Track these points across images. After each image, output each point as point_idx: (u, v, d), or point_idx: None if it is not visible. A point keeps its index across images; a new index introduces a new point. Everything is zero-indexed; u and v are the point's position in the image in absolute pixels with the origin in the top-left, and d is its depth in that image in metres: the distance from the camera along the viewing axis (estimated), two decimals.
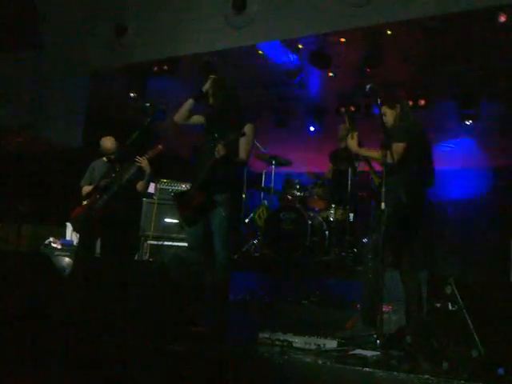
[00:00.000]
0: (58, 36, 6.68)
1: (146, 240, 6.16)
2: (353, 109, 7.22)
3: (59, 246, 5.59)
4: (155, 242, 6.16)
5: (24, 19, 6.02)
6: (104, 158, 4.98)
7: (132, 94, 6.94)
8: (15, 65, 6.41)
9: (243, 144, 3.67)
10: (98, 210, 4.65)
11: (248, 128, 3.65)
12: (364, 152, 3.77)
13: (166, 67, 6.86)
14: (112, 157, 4.87)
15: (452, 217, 8.26)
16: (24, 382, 2.74)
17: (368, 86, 3.60)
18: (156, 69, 6.92)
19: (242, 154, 3.69)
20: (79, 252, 4.90)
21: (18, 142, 5.60)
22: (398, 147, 3.42)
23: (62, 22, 6.68)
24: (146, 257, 6.17)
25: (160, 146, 4.58)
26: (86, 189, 4.89)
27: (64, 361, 2.80)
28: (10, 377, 2.78)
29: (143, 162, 4.57)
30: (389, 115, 3.67)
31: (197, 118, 3.91)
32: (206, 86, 3.80)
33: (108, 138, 5.00)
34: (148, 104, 4.76)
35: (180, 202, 3.87)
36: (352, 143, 3.73)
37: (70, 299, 3.09)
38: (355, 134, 3.72)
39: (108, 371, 2.74)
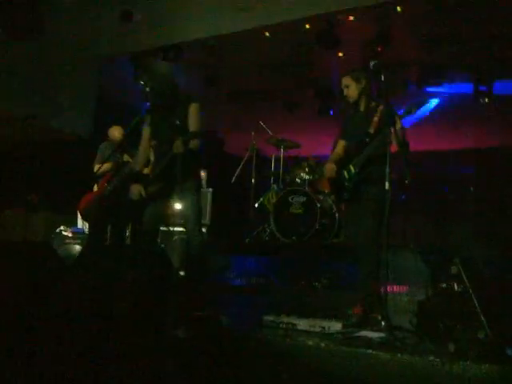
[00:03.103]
0: (64, 24, 6.67)
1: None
2: None
3: (70, 234, 5.62)
4: (165, 228, 6.18)
5: (27, 6, 6.00)
6: (110, 142, 5.06)
7: (141, 82, 6.92)
8: (23, 54, 6.42)
9: (192, 126, 3.69)
10: (107, 198, 4.66)
11: (192, 109, 3.72)
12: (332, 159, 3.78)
13: (172, 53, 6.83)
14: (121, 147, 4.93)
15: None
16: (22, 370, 2.74)
17: (372, 63, 3.50)
18: (162, 55, 6.89)
19: (191, 145, 3.69)
20: (90, 240, 4.94)
21: (25, 131, 5.63)
22: (404, 130, 3.49)
23: (69, 9, 6.66)
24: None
25: None
26: (101, 166, 4.85)
27: (63, 349, 2.80)
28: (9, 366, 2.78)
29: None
30: (353, 88, 3.65)
31: (145, 135, 3.94)
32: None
33: (115, 127, 5.06)
34: (147, 89, 4.71)
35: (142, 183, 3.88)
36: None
37: (71, 288, 3.08)
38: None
39: (110, 359, 2.73)
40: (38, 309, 2.84)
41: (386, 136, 3.23)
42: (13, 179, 6.63)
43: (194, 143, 3.63)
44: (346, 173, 3.64)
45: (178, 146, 3.52)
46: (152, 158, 4.09)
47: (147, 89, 3.79)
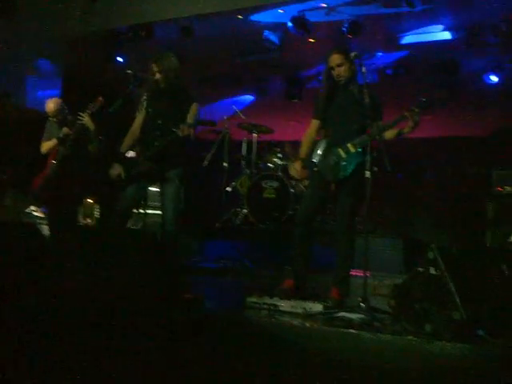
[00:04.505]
0: (35, 3, 6.49)
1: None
2: None
3: (41, 215, 5.53)
4: (139, 211, 6.16)
5: None
6: (51, 119, 4.91)
7: (128, 71, 6.83)
8: None
9: (189, 120, 3.77)
10: (54, 174, 4.62)
11: (194, 107, 3.83)
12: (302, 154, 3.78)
13: (142, 32, 6.72)
14: (57, 119, 4.81)
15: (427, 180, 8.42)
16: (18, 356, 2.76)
17: (353, 54, 3.56)
18: (132, 35, 6.77)
19: (190, 131, 3.77)
20: (52, 221, 4.87)
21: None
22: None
23: None
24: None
25: (100, 99, 4.50)
26: (46, 144, 4.83)
27: (55, 333, 2.83)
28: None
29: (85, 117, 4.48)
30: (346, 68, 3.55)
31: (139, 119, 3.98)
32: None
33: (51, 99, 4.93)
34: (129, 71, 4.67)
35: (124, 164, 3.92)
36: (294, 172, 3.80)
37: (60, 269, 3.10)
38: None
39: (103, 342, 2.78)
40: (29, 291, 2.85)
41: (379, 127, 3.35)
42: None
43: (191, 131, 3.68)
44: (341, 151, 3.55)
45: (183, 130, 3.59)
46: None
47: (156, 76, 3.79)
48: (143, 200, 4.60)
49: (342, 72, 3.58)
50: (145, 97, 3.97)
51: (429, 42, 6.47)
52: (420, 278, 2.80)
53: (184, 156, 3.92)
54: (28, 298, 3.08)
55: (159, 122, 3.82)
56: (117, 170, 3.83)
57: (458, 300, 2.55)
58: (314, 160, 3.62)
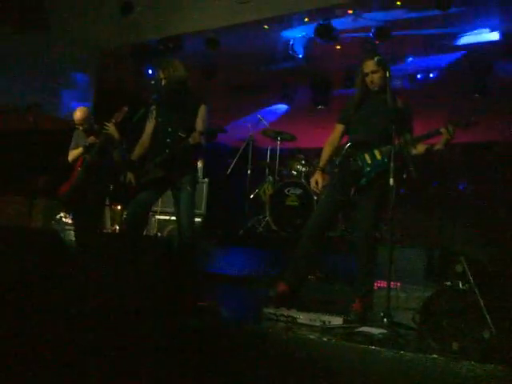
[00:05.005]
0: (67, 16, 6.73)
1: (154, 215, 6.21)
2: None
3: (70, 221, 5.58)
4: (163, 217, 6.21)
5: (32, 1, 6.00)
6: (79, 127, 4.97)
7: (152, 82, 6.99)
8: (25, 46, 6.43)
9: (198, 127, 3.77)
10: (81, 182, 4.69)
11: (202, 109, 3.81)
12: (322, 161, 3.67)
13: (171, 45, 6.81)
14: (84, 127, 4.89)
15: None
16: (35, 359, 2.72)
17: (376, 59, 3.44)
18: (162, 47, 6.86)
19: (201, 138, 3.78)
20: (78, 226, 4.91)
21: (28, 120, 5.64)
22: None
23: (70, 1, 6.64)
24: (155, 232, 6.22)
25: (125, 108, 4.50)
26: (73, 152, 4.90)
27: (72, 339, 2.78)
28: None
29: (111, 127, 4.47)
30: (380, 76, 3.43)
31: (149, 128, 3.98)
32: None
33: (78, 108, 4.99)
34: (153, 81, 4.70)
35: (135, 172, 3.95)
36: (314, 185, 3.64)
37: (78, 275, 3.06)
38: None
39: (118, 348, 2.71)
40: (48, 297, 2.81)
41: (407, 141, 3.29)
42: (14, 166, 6.64)
43: (202, 138, 3.71)
44: (367, 157, 3.45)
45: (195, 137, 3.62)
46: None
47: (162, 83, 3.80)
48: (155, 207, 4.57)
49: (375, 79, 3.48)
50: (154, 106, 3.97)
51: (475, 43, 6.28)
52: (447, 293, 2.62)
53: (195, 162, 3.92)
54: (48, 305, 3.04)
55: (169, 129, 3.81)
56: (128, 177, 3.88)
57: (488, 317, 2.37)
58: (336, 161, 3.52)
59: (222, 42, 6.65)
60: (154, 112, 3.96)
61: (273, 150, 6.92)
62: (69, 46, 6.92)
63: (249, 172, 6.74)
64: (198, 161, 3.98)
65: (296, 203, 5.79)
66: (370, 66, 3.47)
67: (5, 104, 6.45)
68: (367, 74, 3.50)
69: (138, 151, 3.99)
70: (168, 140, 3.79)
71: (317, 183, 3.62)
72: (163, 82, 3.80)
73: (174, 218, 5.87)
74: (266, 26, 6.54)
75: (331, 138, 3.72)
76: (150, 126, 3.98)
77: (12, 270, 3.29)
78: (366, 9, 6.07)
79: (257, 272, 5.09)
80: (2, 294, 2.92)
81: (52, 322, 2.98)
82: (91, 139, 4.76)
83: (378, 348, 2.48)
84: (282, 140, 6.68)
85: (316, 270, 4.70)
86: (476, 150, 8.34)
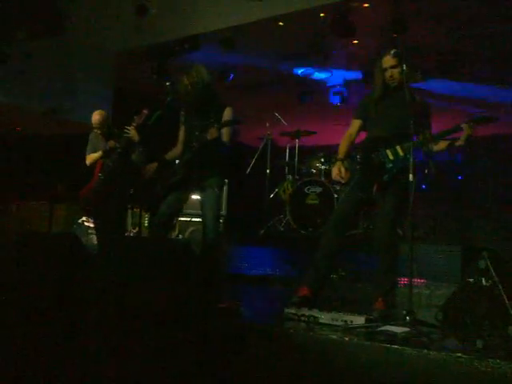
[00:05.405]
0: (82, 19, 6.79)
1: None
2: None
3: (92, 225, 5.63)
4: (184, 219, 6.22)
5: (48, 5, 6.07)
6: (95, 131, 4.98)
7: (167, 84, 7.02)
8: (41, 50, 6.52)
9: (224, 128, 3.77)
10: (102, 186, 4.71)
11: (227, 111, 3.80)
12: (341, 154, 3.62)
13: (186, 46, 6.82)
14: (102, 131, 4.90)
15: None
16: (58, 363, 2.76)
17: (393, 52, 3.39)
18: (177, 48, 6.88)
19: (224, 137, 3.79)
20: (101, 232, 4.95)
21: (46, 125, 5.72)
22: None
23: (85, 4, 6.75)
24: (176, 233, 6.24)
25: (145, 111, 4.50)
26: (91, 156, 4.91)
27: (96, 342, 2.81)
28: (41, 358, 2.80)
29: (132, 131, 4.49)
30: (400, 71, 3.36)
31: (181, 135, 4.02)
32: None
33: (96, 111, 4.99)
34: (168, 83, 4.70)
35: (161, 174, 4.00)
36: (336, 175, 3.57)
37: (98, 279, 3.09)
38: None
39: (139, 351, 2.74)
40: (70, 301, 2.85)
41: (427, 138, 3.26)
42: (34, 171, 6.73)
43: (226, 132, 3.71)
44: (389, 153, 3.42)
45: (212, 132, 3.59)
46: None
47: (188, 88, 3.80)
48: (182, 208, 4.56)
49: (395, 74, 3.43)
50: (182, 112, 4.01)
51: None
52: (470, 290, 2.57)
53: (222, 164, 3.90)
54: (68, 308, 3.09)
55: (196, 133, 3.81)
56: (152, 167, 3.95)
57: None
58: (358, 157, 3.48)
59: (237, 41, 6.63)
60: (183, 118, 4.00)
61: (291, 149, 6.89)
62: (84, 50, 6.96)
63: (268, 171, 6.73)
64: (225, 163, 3.94)
65: (316, 201, 5.76)
66: (389, 61, 3.43)
67: (23, 109, 6.51)
68: (386, 70, 3.45)
69: (172, 153, 4.05)
70: (195, 144, 3.80)
71: (339, 172, 3.55)
72: (188, 88, 3.79)
73: (195, 219, 5.95)
74: (281, 23, 6.50)
75: (348, 133, 3.69)
76: (181, 134, 4.04)
77: (34, 275, 3.36)
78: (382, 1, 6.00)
79: (278, 272, 5.08)
80: (27, 300, 2.97)
81: (76, 326, 3.02)
82: (111, 144, 4.77)
83: (401, 347, 2.45)
84: (300, 137, 6.66)
85: (338, 269, 4.67)
86: (500, 142, 8.15)
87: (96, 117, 4.94)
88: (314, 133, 6.76)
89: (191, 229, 6.08)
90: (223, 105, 3.88)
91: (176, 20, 6.68)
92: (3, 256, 3.78)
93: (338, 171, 3.56)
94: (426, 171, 3.56)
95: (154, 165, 3.94)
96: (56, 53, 6.78)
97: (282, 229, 6.16)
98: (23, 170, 7.68)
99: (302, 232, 5.82)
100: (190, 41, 6.85)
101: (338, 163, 3.59)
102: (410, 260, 2.87)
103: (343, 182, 3.65)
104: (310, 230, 5.75)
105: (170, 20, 6.70)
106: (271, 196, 6.56)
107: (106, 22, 6.88)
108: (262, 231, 6.22)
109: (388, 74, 3.45)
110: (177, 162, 4.05)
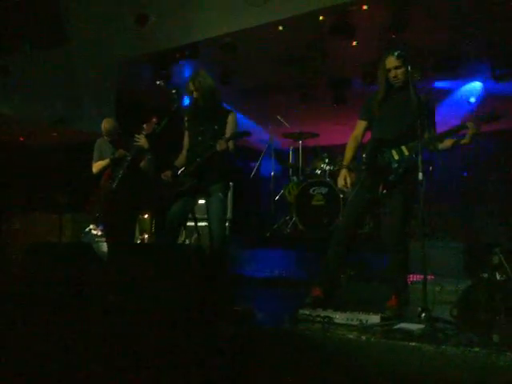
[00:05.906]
0: (85, 29, 6.82)
1: None
2: None
3: (99, 233, 5.65)
4: (189, 224, 6.21)
5: (51, 17, 6.11)
6: (105, 138, 5.01)
7: (158, 82, 7.03)
8: (45, 60, 6.56)
9: (229, 132, 3.86)
10: (115, 194, 4.71)
11: (231, 118, 3.92)
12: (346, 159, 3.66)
13: (187, 53, 6.87)
14: (111, 139, 4.94)
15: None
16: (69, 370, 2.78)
17: (397, 53, 3.42)
18: (178, 55, 6.93)
19: (230, 145, 3.83)
20: (110, 238, 4.97)
21: (52, 135, 5.74)
22: None
23: (86, 14, 6.81)
24: (183, 239, 6.24)
25: (154, 119, 4.51)
26: (98, 164, 4.92)
27: (108, 349, 2.83)
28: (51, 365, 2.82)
29: (141, 139, 4.48)
30: (404, 71, 3.39)
31: (185, 140, 4.11)
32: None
33: (106, 119, 5.04)
34: (173, 91, 4.73)
35: (171, 182, 4.06)
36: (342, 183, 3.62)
37: (111, 286, 3.12)
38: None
39: (152, 356, 2.75)
40: (84, 308, 2.87)
41: (431, 137, 3.28)
42: (41, 182, 6.74)
43: (230, 144, 3.79)
44: (395, 153, 3.44)
45: (221, 144, 3.70)
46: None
47: (193, 95, 3.87)
48: (191, 214, 4.59)
49: (399, 74, 3.45)
50: (186, 117, 4.07)
51: None
52: (485, 285, 2.60)
53: (227, 170, 3.97)
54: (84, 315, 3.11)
55: (199, 139, 3.91)
56: (166, 175, 4.02)
57: None
58: (363, 158, 3.51)
59: (238, 46, 6.67)
60: (187, 124, 4.06)
61: (295, 150, 6.93)
62: (87, 59, 6.99)
63: (272, 173, 6.76)
64: (229, 168, 4.01)
65: (322, 202, 5.79)
66: (392, 61, 3.45)
67: (29, 119, 6.52)
68: (390, 70, 3.47)
69: (180, 160, 4.13)
70: (199, 150, 3.89)
71: (345, 181, 3.59)
72: (194, 94, 3.86)
73: (200, 224, 5.96)
74: (280, 28, 6.54)
75: (354, 135, 3.71)
76: (186, 140, 4.11)
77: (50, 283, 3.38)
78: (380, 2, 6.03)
79: (285, 274, 5.09)
80: (45, 308, 2.99)
81: (91, 334, 3.04)
82: (121, 153, 4.79)
83: (418, 344, 2.48)
84: (303, 139, 6.69)
85: (346, 269, 4.69)
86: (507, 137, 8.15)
87: (106, 125, 4.99)
88: (317, 135, 6.79)
89: (196, 234, 6.09)
90: (226, 110, 3.96)
91: (177, 27, 6.72)
92: (15, 267, 3.81)
93: (343, 180, 3.60)
94: (431, 168, 3.57)
95: (170, 172, 4.01)
96: (59, 63, 6.80)
97: (288, 230, 6.18)
98: (26, 181, 7.69)
99: (309, 232, 5.84)
100: (190, 48, 6.90)
101: (344, 171, 3.62)
102: (423, 257, 2.89)
103: (347, 190, 3.70)
104: (317, 230, 5.77)
105: (171, 27, 6.74)
106: (276, 198, 6.59)
107: (108, 30, 6.91)
108: (269, 233, 6.24)
109: (392, 74, 3.47)
110: (182, 168, 4.10)
